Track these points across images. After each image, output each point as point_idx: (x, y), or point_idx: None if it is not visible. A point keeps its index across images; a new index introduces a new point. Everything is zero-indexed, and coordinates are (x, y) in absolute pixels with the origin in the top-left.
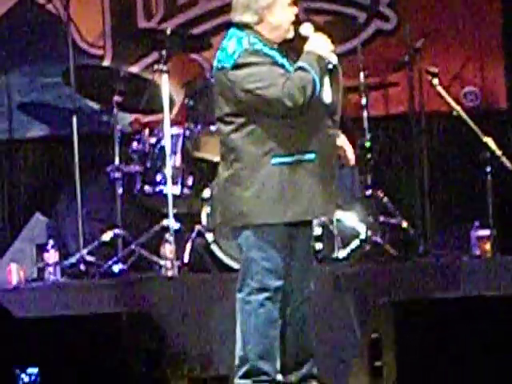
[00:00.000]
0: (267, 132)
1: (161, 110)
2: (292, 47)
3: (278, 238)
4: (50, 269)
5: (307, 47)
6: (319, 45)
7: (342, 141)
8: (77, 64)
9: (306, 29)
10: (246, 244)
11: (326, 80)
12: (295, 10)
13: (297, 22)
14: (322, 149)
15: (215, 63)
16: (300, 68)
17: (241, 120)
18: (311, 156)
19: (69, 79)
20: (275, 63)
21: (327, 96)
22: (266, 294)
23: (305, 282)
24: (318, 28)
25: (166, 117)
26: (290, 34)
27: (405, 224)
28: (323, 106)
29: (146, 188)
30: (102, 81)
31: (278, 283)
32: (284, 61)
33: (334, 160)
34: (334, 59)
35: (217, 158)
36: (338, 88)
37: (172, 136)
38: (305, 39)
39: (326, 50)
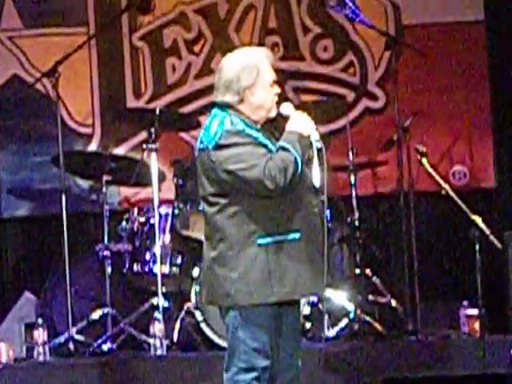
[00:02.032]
0: (251, 213)
1: (150, 184)
2: (275, 126)
3: (264, 318)
4: (39, 348)
5: (288, 126)
6: (300, 123)
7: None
8: (65, 150)
9: (287, 108)
10: (233, 324)
11: (315, 163)
12: (277, 89)
13: (280, 102)
14: (307, 227)
15: (198, 143)
16: (281, 148)
17: (224, 201)
18: (296, 235)
19: (58, 163)
20: (257, 144)
21: (316, 178)
22: (254, 374)
23: (292, 360)
24: (298, 107)
25: (155, 195)
26: (273, 114)
27: (394, 302)
28: (308, 184)
29: (135, 267)
30: (90, 162)
31: (266, 363)
32: (267, 141)
33: (321, 237)
34: (316, 136)
35: None
36: (323, 167)
37: (161, 215)
38: (286, 118)
39: (307, 128)
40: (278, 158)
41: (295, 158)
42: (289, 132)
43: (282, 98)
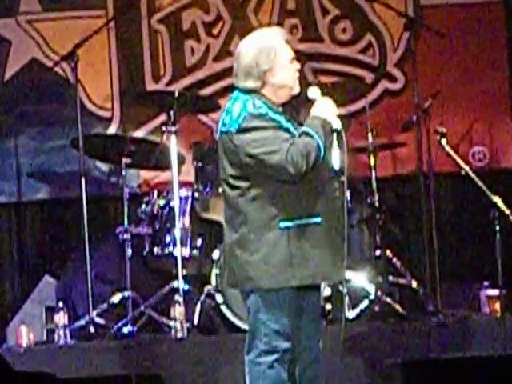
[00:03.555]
0: (273, 196)
1: (170, 167)
2: (295, 106)
3: (285, 301)
4: (60, 331)
5: (313, 111)
6: (325, 109)
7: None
8: (85, 133)
9: (313, 92)
10: (254, 306)
11: (335, 145)
12: (297, 65)
13: (301, 79)
14: (328, 212)
15: (219, 126)
16: (305, 133)
17: (246, 184)
18: (317, 219)
19: (77, 145)
20: (280, 128)
21: (336, 161)
22: (275, 356)
23: (313, 342)
24: (324, 92)
25: (175, 178)
26: (296, 91)
27: (414, 284)
28: (329, 168)
29: (155, 250)
30: (110, 145)
31: (287, 345)
32: (289, 125)
33: (342, 222)
34: (338, 124)
35: None
36: (343, 149)
37: (181, 198)
38: (311, 101)
39: (331, 115)
40: (301, 143)
41: (318, 144)
42: (313, 117)
43: (302, 79)
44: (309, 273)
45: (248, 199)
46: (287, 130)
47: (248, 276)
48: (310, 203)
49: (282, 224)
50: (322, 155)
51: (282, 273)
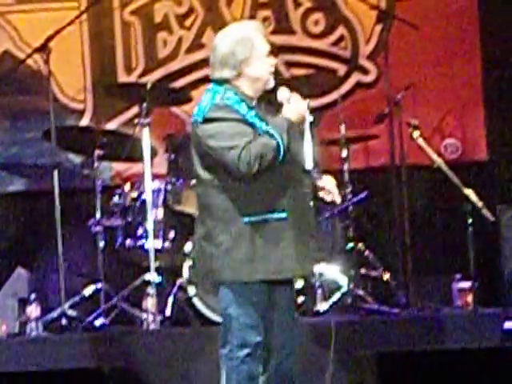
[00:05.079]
0: (238, 190)
1: (142, 159)
2: (271, 102)
3: (255, 294)
4: (32, 323)
5: (283, 112)
6: (295, 109)
7: (325, 181)
8: (57, 126)
9: (282, 93)
10: (225, 301)
11: (308, 140)
12: (273, 60)
13: (277, 74)
14: (295, 207)
15: (192, 118)
16: (266, 133)
17: (212, 177)
18: (282, 215)
19: (50, 137)
20: (243, 121)
21: (309, 159)
22: (247, 351)
23: (287, 336)
24: (292, 86)
25: (147, 171)
26: (270, 85)
27: (386, 276)
28: (297, 164)
29: (128, 242)
30: (82, 137)
31: (258, 339)
32: (255, 120)
33: (311, 218)
34: (309, 118)
35: None
36: (315, 141)
37: (153, 190)
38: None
39: (301, 112)
40: (259, 143)
41: (278, 145)
42: (281, 118)
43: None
44: (272, 268)
45: (214, 192)
46: (251, 125)
47: (211, 269)
48: (276, 198)
49: (246, 218)
50: (281, 156)
51: (245, 267)
